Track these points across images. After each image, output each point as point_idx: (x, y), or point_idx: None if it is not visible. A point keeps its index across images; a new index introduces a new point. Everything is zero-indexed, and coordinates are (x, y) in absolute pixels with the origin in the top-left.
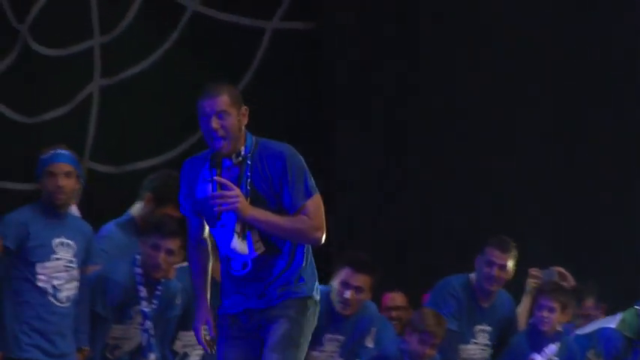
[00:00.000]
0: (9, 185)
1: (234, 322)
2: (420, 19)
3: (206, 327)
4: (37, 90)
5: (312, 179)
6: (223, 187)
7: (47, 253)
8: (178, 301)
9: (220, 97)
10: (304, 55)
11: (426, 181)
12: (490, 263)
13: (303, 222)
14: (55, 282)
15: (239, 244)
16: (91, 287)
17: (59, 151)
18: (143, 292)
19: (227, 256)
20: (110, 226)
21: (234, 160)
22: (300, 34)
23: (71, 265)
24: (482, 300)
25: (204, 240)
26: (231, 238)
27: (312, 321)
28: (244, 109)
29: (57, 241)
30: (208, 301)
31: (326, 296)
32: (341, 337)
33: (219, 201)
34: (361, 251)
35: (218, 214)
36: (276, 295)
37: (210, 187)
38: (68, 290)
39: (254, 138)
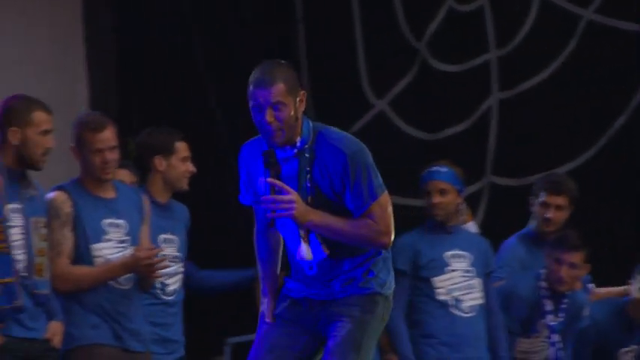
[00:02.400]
0: (411, 202)
1: (293, 305)
2: None
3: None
4: (436, 106)
5: (379, 177)
6: (278, 190)
7: (441, 267)
8: (586, 312)
9: (275, 86)
10: None
11: None
12: None
13: (368, 227)
14: (456, 293)
15: (305, 251)
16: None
17: (437, 168)
18: (549, 305)
19: (293, 255)
20: (512, 240)
21: (293, 152)
22: None
23: (468, 274)
24: None
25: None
26: (298, 243)
27: (380, 319)
28: (302, 94)
29: (449, 254)
30: (275, 296)
31: None
32: None
33: (273, 206)
34: None
35: (272, 221)
36: (339, 288)
37: (265, 186)
38: (472, 300)
39: (311, 125)
